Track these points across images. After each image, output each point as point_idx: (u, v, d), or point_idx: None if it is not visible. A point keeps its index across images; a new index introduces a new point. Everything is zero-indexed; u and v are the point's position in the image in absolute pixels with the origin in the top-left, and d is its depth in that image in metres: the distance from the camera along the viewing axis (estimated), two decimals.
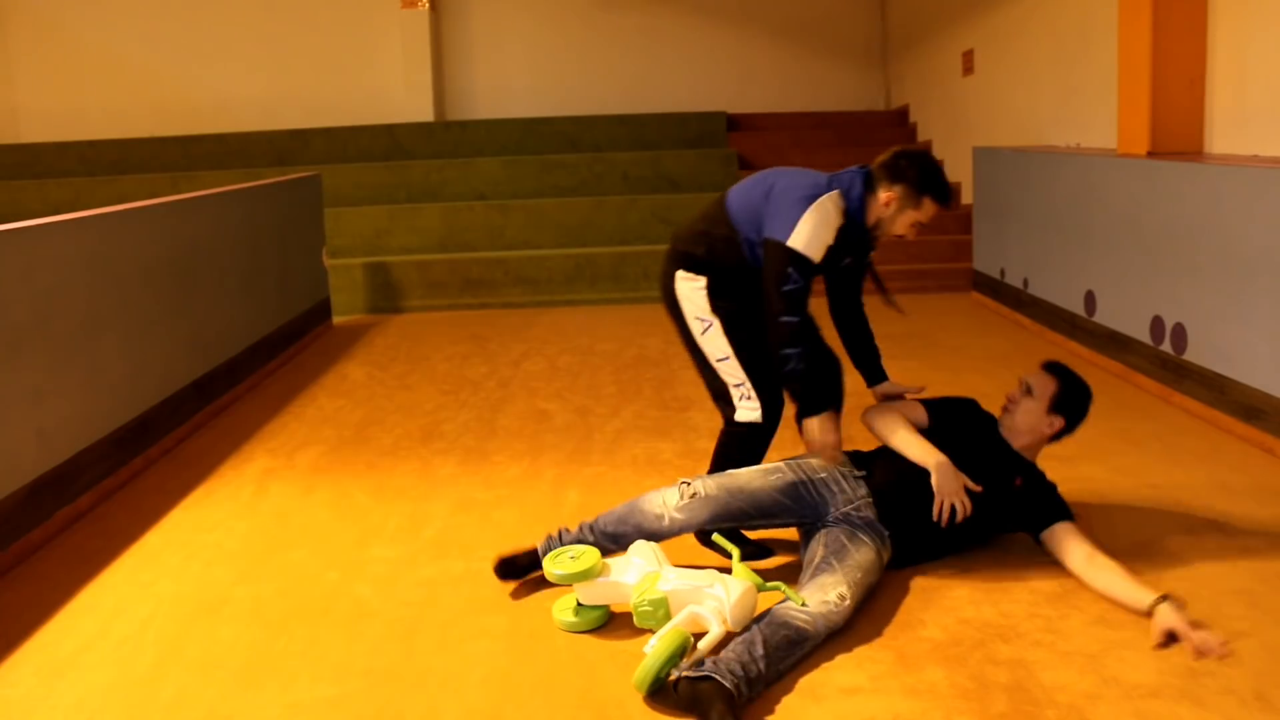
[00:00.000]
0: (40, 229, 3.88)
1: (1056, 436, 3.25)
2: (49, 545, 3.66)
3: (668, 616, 2.73)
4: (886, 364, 3.49)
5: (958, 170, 8.77)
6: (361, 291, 8.14)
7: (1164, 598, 2.78)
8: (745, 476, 3.13)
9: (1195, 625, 2.71)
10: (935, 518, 3.06)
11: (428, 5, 10.61)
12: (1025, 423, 3.21)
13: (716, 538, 3.09)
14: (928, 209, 3.20)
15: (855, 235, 3.24)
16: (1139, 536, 3.40)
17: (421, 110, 10.66)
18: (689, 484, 3.10)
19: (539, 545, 3.19)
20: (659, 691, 2.55)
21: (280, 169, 9.01)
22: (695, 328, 3.32)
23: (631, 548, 2.98)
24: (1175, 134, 5.48)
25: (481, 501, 3.96)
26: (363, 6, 10.73)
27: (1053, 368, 3.29)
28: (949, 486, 3.06)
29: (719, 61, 10.94)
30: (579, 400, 5.32)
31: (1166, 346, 4.89)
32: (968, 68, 8.82)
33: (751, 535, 3.36)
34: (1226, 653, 2.64)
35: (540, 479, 4.18)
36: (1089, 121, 6.66)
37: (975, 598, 3.00)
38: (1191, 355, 4.69)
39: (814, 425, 3.19)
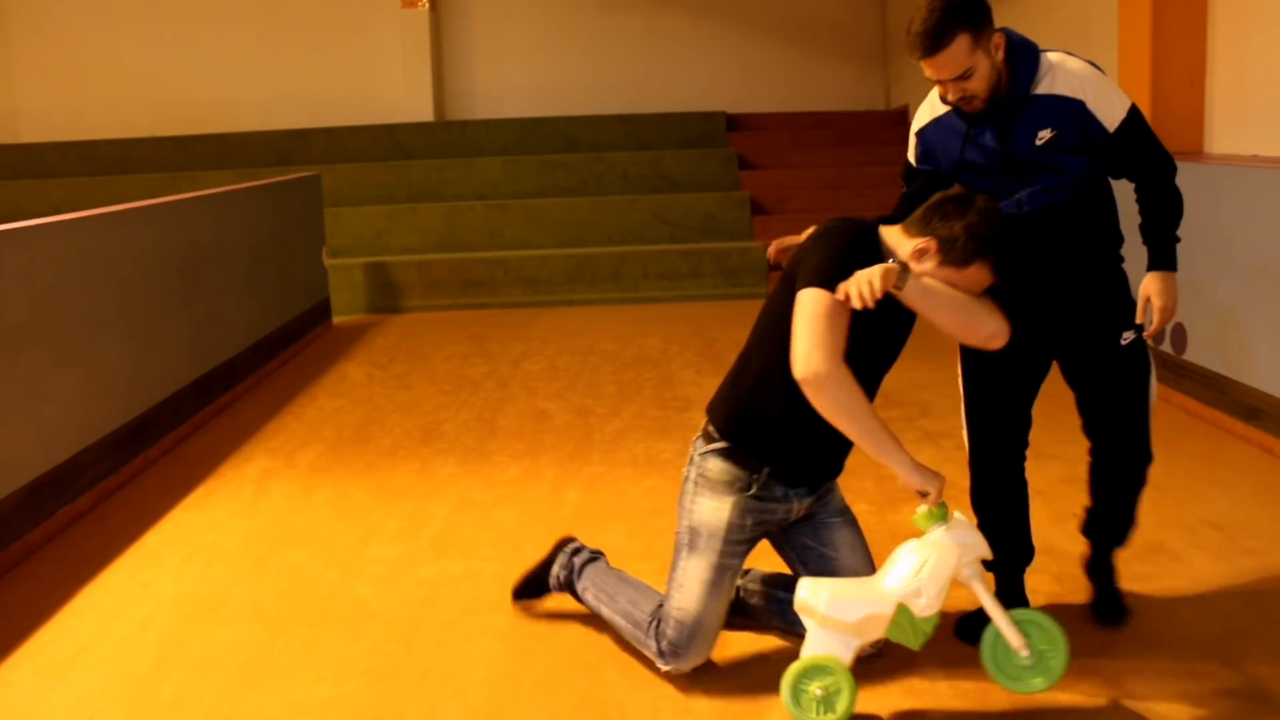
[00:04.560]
0: (40, 229, 3.88)
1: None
2: (49, 545, 3.65)
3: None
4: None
5: None
6: (361, 291, 8.13)
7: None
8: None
9: None
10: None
11: (428, 5, 10.60)
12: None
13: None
14: (923, 67, 2.68)
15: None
16: (1139, 536, 3.38)
17: (421, 110, 10.65)
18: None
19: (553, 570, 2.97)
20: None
21: (280, 169, 8.99)
22: None
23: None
24: (1175, 134, 5.47)
25: (481, 501, 3.95)
26: (363, 6, 10.72)
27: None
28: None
29: (719, 61, 10.92)
30: (579, 400, 5.32)
31: (1166, 346, 4.89)
32: None
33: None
34: None
35: (540, 479, 4.18)
36: None
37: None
38: (1191, 355, 4.69)
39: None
